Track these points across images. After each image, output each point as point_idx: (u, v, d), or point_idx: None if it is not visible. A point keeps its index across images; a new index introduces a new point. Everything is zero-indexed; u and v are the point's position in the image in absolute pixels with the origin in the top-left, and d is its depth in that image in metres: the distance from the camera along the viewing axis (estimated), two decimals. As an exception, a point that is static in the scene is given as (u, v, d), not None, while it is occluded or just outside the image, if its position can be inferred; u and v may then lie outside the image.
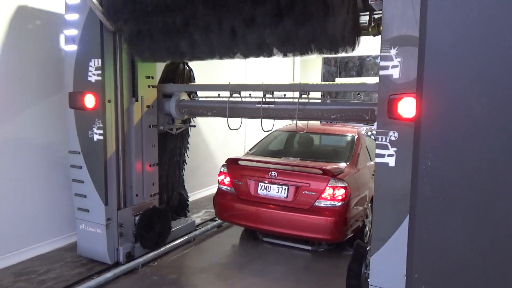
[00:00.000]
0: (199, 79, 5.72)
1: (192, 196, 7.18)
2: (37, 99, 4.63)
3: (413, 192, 1.27)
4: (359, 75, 22.65)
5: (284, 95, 4.57)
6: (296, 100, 4.33)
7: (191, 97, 5.32)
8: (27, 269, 4.34)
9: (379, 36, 3.40)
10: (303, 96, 4.31)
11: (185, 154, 5.89)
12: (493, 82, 1.26)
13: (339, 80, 11.59)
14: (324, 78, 11.92)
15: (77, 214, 4.49)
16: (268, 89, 4.46)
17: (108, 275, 4.14)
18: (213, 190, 7.40)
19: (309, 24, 3.44)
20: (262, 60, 4.40)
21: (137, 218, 4.65)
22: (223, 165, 5.33)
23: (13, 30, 4.31)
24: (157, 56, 4.38)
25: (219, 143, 7.89)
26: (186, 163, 5.94)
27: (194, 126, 5.78)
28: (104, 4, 4.00)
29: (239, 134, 8.22)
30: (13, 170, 4.45)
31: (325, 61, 11.91)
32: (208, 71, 6.60)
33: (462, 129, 1.26)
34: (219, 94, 4.81)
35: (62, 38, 4.75)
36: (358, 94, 4.16)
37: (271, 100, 4.52)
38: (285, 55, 3.87)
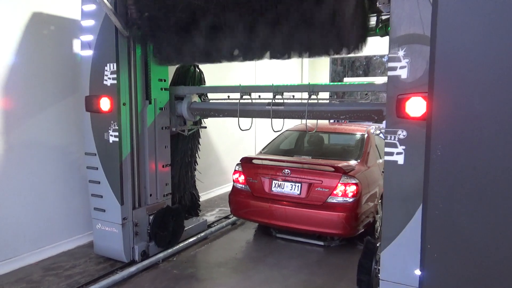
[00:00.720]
0: (209, 81, 5.84)
1: (206, 195, 7.35)
2: (52, 102, 4.77)
3: (426, 176, 1.43)
4: (366, 74, 22.67)
5: (293, 96, 4.67)
6: (305, 101, 4.44)
7: (202, 99, 5.44)
8: (54, 265, 4.55)
9: (386, 37, 3.51)
10: (312, 96, 4.41)
11: (196, 154, 6.01)
12: (495, 81, 1.38)
13: (347, 80, 11.65)
14: (332, 78, 11.99)
15: (94, 214, 4.62)
16: (277, 90, 4.57)
17: (132, 269, 4.34)
18: (226, 189, 7.59)
19: (320, 27, 3.54)
20: (271, 62, 4.51)
21: (151, 217, 4.77)
22: (237, 164, 5.47)
23: (29, 36, 4.45)
24: (181, 59, 4.55)
25: (230, 143, 8.01)
26: (197, 164, 6.07)
27: (205, 127, 5.89)
28: (119, 10, 4.13)
29: (250, 134, 8.35)
30: (34, 171, 4.62)
31: (332, 61, 11.95)
32: (219, 73, 6.72)
33: (467, 123, 1.41)
34: (228, 96, 4.94)
35: (75, 43, 4.91)
36: (366, 94, 4.24)
37: (281, 101, 4.63)
38: (300, 56, 3.98)
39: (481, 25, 1.41)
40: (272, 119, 4.57)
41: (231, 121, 4.99)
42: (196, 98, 5.31)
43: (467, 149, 1.39)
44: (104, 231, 4.58)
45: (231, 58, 4.27)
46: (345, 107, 4.48)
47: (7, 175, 4.36)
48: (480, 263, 1.45)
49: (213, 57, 4.31)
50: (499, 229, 1.41)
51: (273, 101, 4.58)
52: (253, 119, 5.00)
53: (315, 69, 11.05)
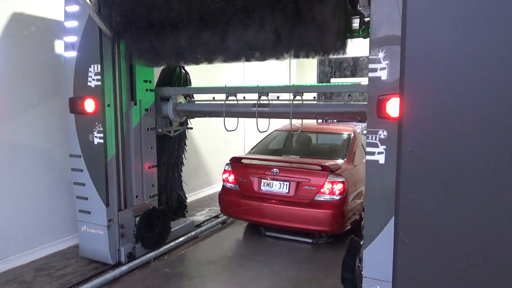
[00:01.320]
0: (197, 82, 5.84)
1: (195, 195, 7.41)
2: (35, 104, 4.73)
3: (398, 168, 1.55)
4: (353, 75, 22.85)
5: (278, 97, 4.72)
6: (290, 102, 4.48)
7: (188, 100, 5.45)
8: (46, 265, 4.59)
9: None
10: (297, 97, 4.46)
11: (183, 155, 6.02)
12: (459, 83, 1.47)
13: (334, 81, 11.76)
14: (319, 78, 12.10)
15: (79, 216, 4.60)
16: (262, 91, 4.61)
17: (123, 268, 4.39)
18: (215, 188, 7.65)
19: (303, 29, 3.58)
20: (260, 64, 4.58)
21: (137, 219, 4.77)
22: (227, 164, 5.54)
23: (9, 37, 4.40)
24: (163, 61, 4.55)
25: (219, 143, 8.04)
26: (183, 165, 6.07)
27: (191, 128, 5.90)
28: (102, 11, 4.12)
29: (238, 135, 8.38)
30: (21, 173, 4.61)
31: (320, 62, 12.06)
32: (206, 74, 6.71)
33: (434, 122, 1.51)
34: (213, 98, 4.97)
35: (57, 44, 4.87)
36: (349, 95, 4.30)
37: (266, 101, 4.66)
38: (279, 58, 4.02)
39: (448, 32, 1.48)
40: (258, 119, 4.61)
41: (220, 121, 5.03)
42: (181, 99, 5.31)
43: (434, 145, 1.51)
44: (89, 233, 4.56)
45: (213, 59, 4.29)
46: (329, 108, 4.54)
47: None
48: (447, 245, 1.58)
49: (196, 59, 4.32)
50: (465, 215, 1.53)
51: (259, 102, 4.62)
52: (241, 119, 5.04)
53: (303, 70, 11.13)
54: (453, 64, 1.49)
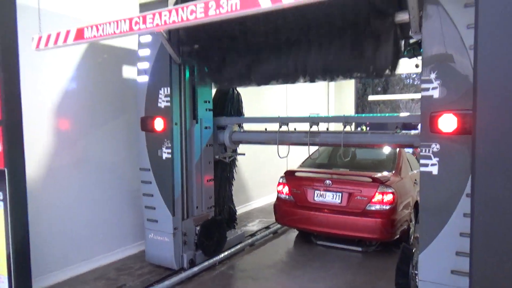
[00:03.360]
0: (245, 102, 6.27)
1: (244, 208, 7.86)
2: (105, 122, 5.27)
3: (473, 164, 1.84)
4: (385, 91, 23.01)
5: (327, 128, 5.05)
6: (340, 132, 4.78)
7: (241, 128, 5.85)
8: (125, 266, 5.15)
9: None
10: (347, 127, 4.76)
11: (234, 170, 6.42)
12: None
13: (371, 98, 12.02)
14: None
15: (147, 224, 5.06)
16: (313, 121, 4.96)
17: (195, 269, 4.91)
18: (262, 202, 8.15)
19: (362, 53, 3.94)
20: (301, 84, 4.96)
21: (197, 228, 5.17)
22: (281, 177, 5.96)
23: (85, 63, 4.96)
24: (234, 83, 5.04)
25: (266, 160, 8.41)
26: (234, 179, 6.46)
27: (244, 154, 6.16)
28: (172, 40, 4.64)
29: (282, 152, 8.78)
30: (96, 182, 5.14)
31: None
32: (254, 96, 7.12)
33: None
34: (266, 129, 5.38)
35: (124, 69, 5.45)
36: (397, 127, 4.57)
37: (316, 130, 4.96)
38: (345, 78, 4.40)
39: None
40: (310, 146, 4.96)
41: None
42: (236, 127, 5.73)
43: (498, 143, 1.85)
44: (156, 240, 4.99)
45: (270, 82, 4.73)
46: (376, 138, 4.81)
47: (78, 186, 4.94)
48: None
49: (255, 81, 4.76)
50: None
51: (310, 131, 4.93)
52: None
53: (341, 87, 11.42)
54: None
